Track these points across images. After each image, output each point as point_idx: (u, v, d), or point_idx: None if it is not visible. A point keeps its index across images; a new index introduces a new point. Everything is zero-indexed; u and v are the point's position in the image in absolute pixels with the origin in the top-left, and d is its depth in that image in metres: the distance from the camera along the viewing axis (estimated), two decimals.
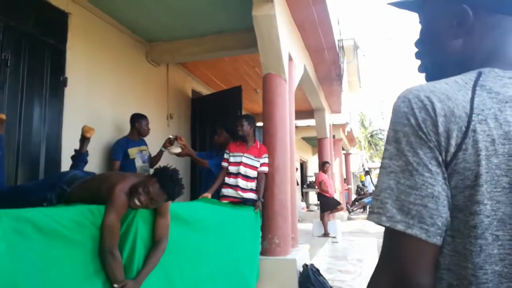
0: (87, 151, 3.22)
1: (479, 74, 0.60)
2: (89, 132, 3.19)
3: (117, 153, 3.79)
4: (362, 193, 12.93)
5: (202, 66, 5.91)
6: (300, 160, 14.67)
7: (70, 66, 3.60)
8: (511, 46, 0.64)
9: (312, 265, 3.63)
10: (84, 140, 3.21)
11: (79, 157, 3.16)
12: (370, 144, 29.41)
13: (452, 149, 0.56)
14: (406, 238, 0.57)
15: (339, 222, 7.44)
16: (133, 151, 3.84)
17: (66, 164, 3.32)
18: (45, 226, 1.61)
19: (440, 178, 0.57)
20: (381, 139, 28.39)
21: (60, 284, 1.67)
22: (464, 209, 0.57)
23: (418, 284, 0.56)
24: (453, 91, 0.59)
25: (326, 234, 6.90)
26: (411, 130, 0.58)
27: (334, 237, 6.93)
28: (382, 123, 26.96)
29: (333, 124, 9.68)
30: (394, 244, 0.59)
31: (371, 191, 14.20)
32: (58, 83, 3.47)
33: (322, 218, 7.14)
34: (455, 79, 0.61)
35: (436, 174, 0.57)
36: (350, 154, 15.93)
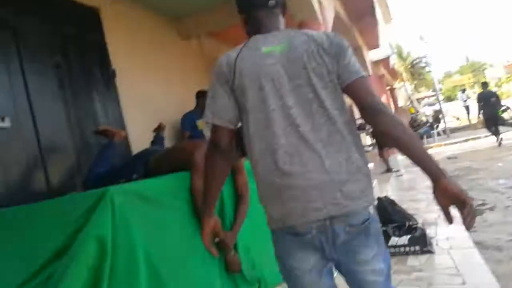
0: (163, 137, 3.58)
1: (247, 41, 1.22)
2: (163, 129, 3.60)
3: (186, 125, 4.11)
4: (416, 124, 12.53)
5: (233, 33, 5.85)
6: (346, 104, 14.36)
7: (113, 57, 3.74)
8: (264, 25, 1.25)
9: (385, 196, 3.66)
10: (158, 132, 3.56)
11: (157, 138, 3.54)
12: (413, 75, 28.04)
13: (231, 78, 1.17)
14: (214, 126, 1.22)
15: (398, 156, 7.34)
16: (202, 123, 4.02)
17: (136, 151, 3.55)
18: (149, 197, 1.77)
19: (227, 95, 1.18)
20: (423, 67, 26.92)
21: (169, 245, 1.84)
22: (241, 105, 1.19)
23: (220, 146, 1.22)
24: (233, 52, 1.20)
25: (389, 170, 6.86)
26: (216, 74, 1.21)
27: (397, 171, 6.88)
28: (421, 51, 25.42)
29: (373, 61, 9.33)
30: (212, 131, 1.23)
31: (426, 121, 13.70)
32: (109, 76, 3.64)
33: (381, 155, 7.08)
34: (239, 46, 1.22)
35: (226, 92, 1.18)
36: (394, 88, 15.36)
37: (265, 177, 1.13)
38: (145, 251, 1.63)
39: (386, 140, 1.09)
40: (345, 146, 1.10)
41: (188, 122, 4.13)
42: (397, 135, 1.06)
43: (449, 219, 1.05)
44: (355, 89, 1.14)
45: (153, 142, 3.52)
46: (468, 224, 1.01)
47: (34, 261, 1.59)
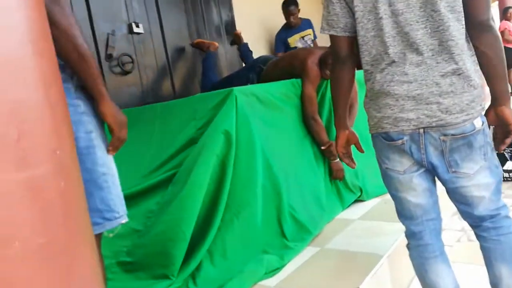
0: (245, 43, 3.51)
1: None
2: (239, 35, 3.52)
3: (277, 46, 3.95)
4: None
5: None
6: None
7: None
8: None
9: None
10: (236, 39, 3.54)
11: (243, 48, 3.49)
12: None
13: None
14: (331, 37, 1.21)
15: None
16: (292, 40, 3.93)
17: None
18: (264, 99, 1.93)
19: (339, 3, 1.15)
20: None
21: (280, 145, 2.02)
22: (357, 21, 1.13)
23: (340, 56, 1.21)
24: None
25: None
26: None
27: None
28: None
29: None
30: (330, 42, 1.23)
31: None
32: None
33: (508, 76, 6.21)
34: None
35: (338, 1, 1.15)
36: None
37: (371, 84, 1.15)
38: (261, 146, 1.83)
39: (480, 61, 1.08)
40: (455, 56, 1.04)
41: (280, 41, 3.92)
42: (492, 56, 1.07)
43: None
44: (473, 2, 1.04)
45: (240, 55, 3.51)
46: (499, 147, 1.16)
47: (168, 149, 1.91)
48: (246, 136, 1.76)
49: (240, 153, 1.71)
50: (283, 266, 1.69)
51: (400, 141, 1.12)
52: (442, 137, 1.07)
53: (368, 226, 2.01)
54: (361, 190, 2.34)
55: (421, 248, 1.23)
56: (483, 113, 1.12)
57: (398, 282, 1.67)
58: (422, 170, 1.16)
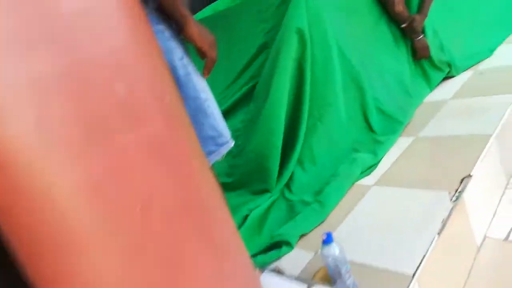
0: None
1: None
2: None
3: None
4: None
5: None
6: None
7: None
8: None
9: None
10: None
11: None
12: None
13: None
14: None
15: None
16: None
17: None
18: None
19: None
20: None
21: (357, 35, 1.82)
22: None
23: None
24: None
25: None
26: None
27: None
28: None
29: None
30: None
31: None
32: None
33: None
34: None
35: None
36: None
37: None
38: (336, 39, 1.64)
39: None
40: None
41: None
42: None
43: None
44: None
45: None
46: None
47: (240, 59, 1.79)
48: (319, 31, 1.57)
49: (316, 51, 1.55)
50: (378, 162, 1.63)
51: None
52: None
53: (464, 104, 1.82)
54: (449, 66, 2.09)
55: None
56: None
57: (509, 163, 1.54)
58: None
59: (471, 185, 1.29)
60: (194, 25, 0.92)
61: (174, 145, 0.60)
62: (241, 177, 1.56)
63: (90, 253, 0.49)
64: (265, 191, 1.52)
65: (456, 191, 1.27)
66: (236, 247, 0.67)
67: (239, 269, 0.67)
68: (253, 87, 1.65)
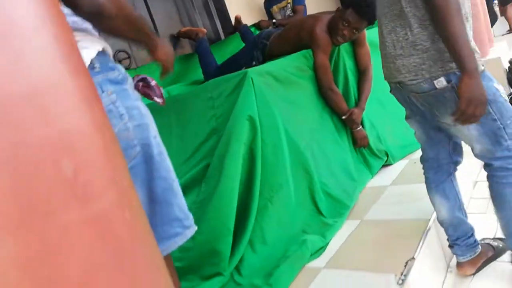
0: (245, 24, 3.35)
1: None
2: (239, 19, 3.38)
3: (269, 15, 3.73)
4: None
5: None
6: None
7: None
8: None
9: None
10: (236, 23, 3.39)
11: (243, 30, 3.29)
12: None
13: None
14: None
15: None
16: (274, 10, 3.74)
17: None
18: (279, 76, 1.84)
19: None
20: None
21: (302, 121, 1.94)
22: None
23: None
24: None
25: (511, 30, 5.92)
26: None
27: None
28: None
29: None
30: None
31: None
32: None
33: (504, 13, 6.07)
34: None
35: None
36: None
37: None
38: (284, 127, 1.75)
39: None
40: (404, 21, 1.13)
41: (267, 11, 3.73)
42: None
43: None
44: None
45: (242, 36, 3.29)
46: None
47: (191, 142, 1.83)
48: (268, 119, 1.67)
49: (265, 137, 1.63)
50: (326, 244, 1.65)
51: (393, 91, 1.37)
52: (413, 94, 1.21)
53: (402, 190, 1.96)
54: (387, 154, 2.28)
55: None
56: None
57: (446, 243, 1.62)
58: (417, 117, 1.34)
59: (414, 268, 1.33)
60: (164, 46, 0.99)
61: (121, 226, 0.58)
62: (192, 261, 1.49)
63: None
64: (218, 274, 1.46)
65: (401, 273, 1.30)
66: None
67: None
68: (204, 169, 1.66)
